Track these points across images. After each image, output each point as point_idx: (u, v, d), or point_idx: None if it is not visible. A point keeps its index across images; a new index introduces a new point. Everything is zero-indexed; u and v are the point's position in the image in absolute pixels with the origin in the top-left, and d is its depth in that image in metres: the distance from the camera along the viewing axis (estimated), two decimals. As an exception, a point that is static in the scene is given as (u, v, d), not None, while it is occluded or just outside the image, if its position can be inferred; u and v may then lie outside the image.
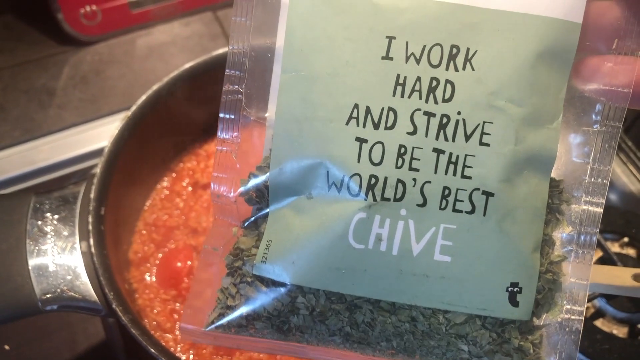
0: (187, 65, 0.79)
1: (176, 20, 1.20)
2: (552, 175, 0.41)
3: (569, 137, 0.41)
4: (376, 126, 0.38)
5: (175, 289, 0.78)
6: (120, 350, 0.88)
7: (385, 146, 0.38)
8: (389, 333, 0.40)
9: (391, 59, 0.38)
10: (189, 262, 0.79)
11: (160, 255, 0.80)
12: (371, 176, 0.38)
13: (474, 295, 0.39)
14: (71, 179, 1.03)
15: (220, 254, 0.44)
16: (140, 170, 0.81)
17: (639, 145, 1.10)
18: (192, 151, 0.89)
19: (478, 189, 0.38)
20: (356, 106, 0.39)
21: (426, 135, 0.38)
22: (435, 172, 0.38)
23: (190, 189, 0.86)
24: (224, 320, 0.42)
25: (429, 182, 0.38)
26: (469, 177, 0.38)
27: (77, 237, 0.68)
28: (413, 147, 0.38)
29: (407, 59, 0.38)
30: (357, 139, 0.38)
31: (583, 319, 0.41)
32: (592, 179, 0.41)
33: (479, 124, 0.38)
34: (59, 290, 0.65)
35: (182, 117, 0.84)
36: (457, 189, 0.38)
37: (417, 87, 0.38)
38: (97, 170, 0.71)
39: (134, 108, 0.75)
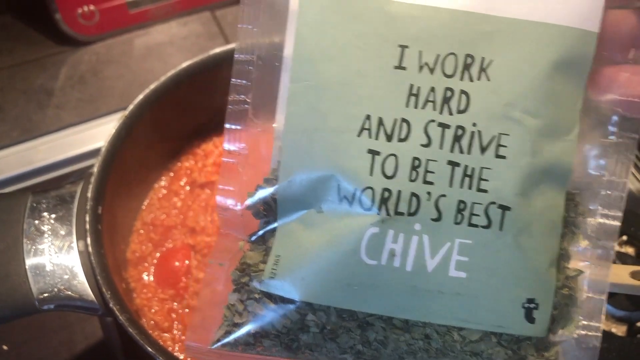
0: (185, 65, 0.78)
1: (174, 20, 1.20)
2: (568, 187, 0.40)
3: (585, 149, 0.40)
4: (389, 138, 0.37)
5: (173, 288, 0.77)
6: (118, 350, 0.87)
7: (399, 158, 0.37)
8: (402, 351, 0.39)
9: (404, 68, 0.38)
10: (186, 262, 0.79)
11: (158, 254, 0.80)
12: (384, 189, 0.37)
13: (490, 312, 0.38)
14: (69, 178, 1.03)
15: (226, 269, 0.43)
16: (138, 169, 0.81)
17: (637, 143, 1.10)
18: (189, 150, 0.89)
19: (494, 203, 0.37)
20: (368, 117, 0.38)
21: (441, 148, 0.37)
22: (450, 186, 0.37)
23: (188, 188, 0.86)
24: (231, 338, 0.41)
25: (444, 195, 0.37)
26: (485, 191, 0.37)
27: (74, 236, 0.68)
28: (427, 160, 0.37)
29: (421, 68, 0.38)
30: (369, 150, 0.38)
31: (600, 335, 0.40)
32: (608, 192, 0.41)
33: (494, 136, 0.37)
34: (56, 289, 0.65)
35: (180, 116, 0.84)
36: (473, 203, 0.37)
37: (431, 98, 0.37)
38: (95, 169, 0.70)
39: (131, 107, 0.75)
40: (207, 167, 0.86)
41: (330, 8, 0.39)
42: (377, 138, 0.38)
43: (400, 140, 0.37)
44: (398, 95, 0.38)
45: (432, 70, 0.38)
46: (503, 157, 0.37)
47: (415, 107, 0.38)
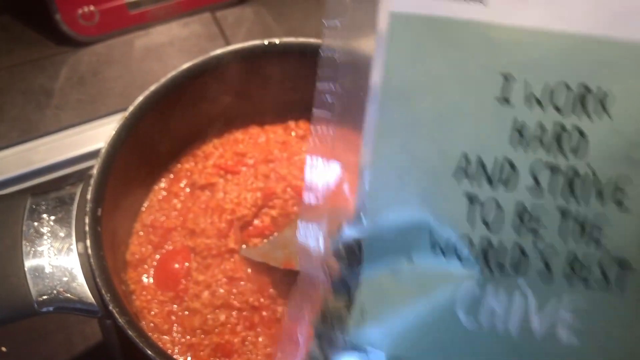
0: (185, 66, 0.78)
1: (174, 21, 1.20)
2: None
3: None
4: (489, 180, 0.34)
5: (173, 290, 0.77)
6: (117, 352, 0.87)
7: (501, 204, 0.33)
8: None
9: (507, 100, 0.34)
10: (186, 264, 0.79)
11: (157, 256, 0.80)
12: (483, 239, 0.33)
13: None
14: (69, 180, 1.02)
15: (306, 315, 0.40)
16: (138, 171, 0.81)
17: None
18: (189, 152, 0.88)
19: (613, 259, 0.33)
20: (465, 156, 0.34)
21: (550, 193, 0.33)
22: (561, 237, 0.33)
23: (188, 190, 0.85)
24: None
25: (553, 248, 0.33)
26: (602, 245, 0.33)
27: (73, 238, 0.67)
28: (534, 206, 0.33)
29: (527, 101, 0.34)
30: (467, 194, 0.34)
31: None
32: None
33: (614, 182, 0.33)
34: (55, 291, 0.64)
35: (180, 118, 0.84)
36: (587, 258, 0.33)
37: (539, 135, 0.33)
38: (94, 171, 0.70)
39: (131, 108, 0.74)
40: (207, 169, 0.85)
41: (424, 34, 0.36)
42: (475, 180, 0.34)
43: (503, 183, 0.33)
44: (500, 132, 0.34)
45: (540, 103, 0.34)
46: (624, 206, 0.33)
47: (521, 145, 0.34)
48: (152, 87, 0.76)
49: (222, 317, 0.76)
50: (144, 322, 0.75)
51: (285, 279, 0.79)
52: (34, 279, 0.65)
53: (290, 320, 0.41)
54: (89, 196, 0.68)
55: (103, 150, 0.71)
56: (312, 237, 0.40)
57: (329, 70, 0.39)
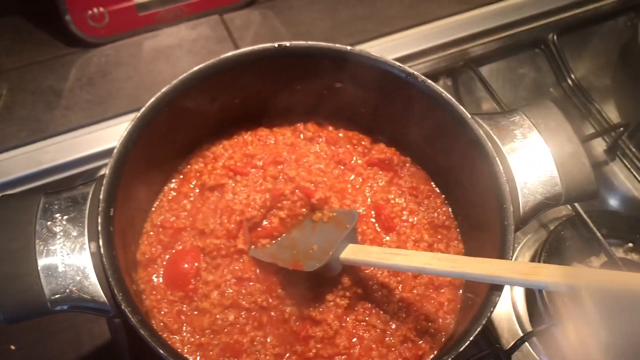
0: (196, 68, 0.78)
1: (183, 23, 1.21)
2: None
3: None
4: None
5: (183, 290, 0.78)
6: (125, 351, 0.88)
7: None
8: None
9: None
10: (196, 264, 0.79)
11: (167, 256, 0.80)
12: None
13: None
14: (77, 180, 1.03)
15: None
16: (148, 171, 0.81)
17: (643, 151, 1.10)
18: (199, 153, 0.89)
19: None
20: None
21: None
22: None
23: (197, 190, 0.86)
24: None
25: None
26: None
27: (86, 237, 0.68)
28: None
29: None
30: None
31: None
32: None
33: None
34: (67, 290, 0.65)
35: (190, 120, 0.84)
36: None
37: None
38: (106, 171, 0.71)
39: (143, 110, 0.75)
40: (217, 170, 0.86)
41: None
42: None
43: None
44: None
45: None
46: None
47: None
48: (164, 89, 0.76)
49: (231, 317, 0.76)
50: (153, 322, 0.75)
51: (293, 280, 0.79)
52: (47, 278, 0.65)
53: None
54: (101, 196, 0.69)
55: (115, 151, 0.72)
56: None
57: None
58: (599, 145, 1.15)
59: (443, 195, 0.89)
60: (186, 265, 0.79)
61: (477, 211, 0.79)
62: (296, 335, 0.76)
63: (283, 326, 0.77)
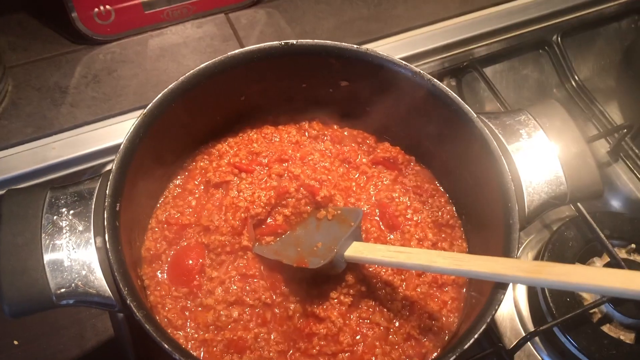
0: (203, 65, 0.79)
1: (188, 22, 1.21)
2: None
3: None
4: None
5: (187, 286, 0.78)
6: (128, 346, 0.88)
7: None
8: None
9: None
10: (200, 260, 0.79)
11: (172, 252, 0.81)
12: None
13: None
14: (82, 176, 1.04)
15: None
16: (154, 167, 0.81)
17: (647, 152, 1.10)
18: (204, 150, 0.89)
19: None
20: None
21: None
22: None
23: (202, 187, 0.86)
24: None
25: None
26: None
27: (92, 232, 0.68)
28: None
29: None
30: None
31: None
32: None
33: None
34: (73, 284, 0.65)
35: (196, 116, 0.84)
36: None
37: None
38: (113, 166, 0.71)
39: (150, 106, 0.75)
40: (222, 167, 0.86)
41: None
42: None
43: None
44: None
45: None
46: None
47: None
48: (171, 85, 0.77)
49: (235, 314, 0.77)
50: (157, 318, 0.75)
51: (297, 277, 0.80)
52: (53, 272, 0.65)
53: None
54: (107, 191, 0.69)
55: (122, 146, 0.72)
56: None
57: None
58: (602, 147, 1.15)
59: (447, 194, 0.89)
60: (191, 262, 0.79)
61: (481, 210, 0.79)
62: (300, 332, 0.76)
63: (287, 323, 0.78)
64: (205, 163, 0.88)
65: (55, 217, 0.69)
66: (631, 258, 0.96)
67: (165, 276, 0.79)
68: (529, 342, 0.91)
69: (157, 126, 0.76)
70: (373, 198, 0.87)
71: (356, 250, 0.76)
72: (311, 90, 0.89)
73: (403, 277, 0.80)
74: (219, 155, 0.88)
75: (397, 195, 0.87)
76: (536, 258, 0.98)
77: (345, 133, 0.93)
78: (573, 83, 1.20)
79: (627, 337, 0.90)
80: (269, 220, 0.84)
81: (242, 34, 1.20)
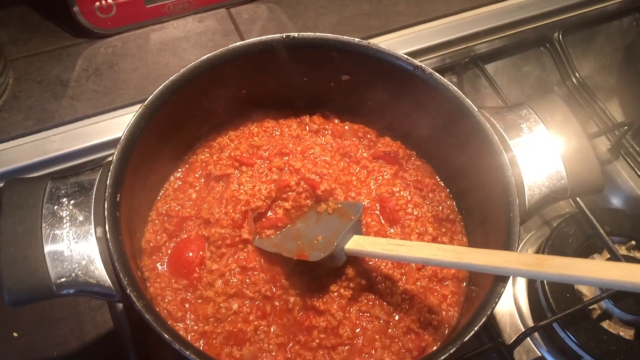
0: (204, 57, 0.79)
1: (190, 16, 1.21)
2: None
3: None
4: None
5: (187, 278, 0.78)
6: (128, 339, 0.88)
7: None
8: None
9: None
10: (200, 253, 0.79)
11: (172, 245, 0.81)
12: None
13: None
14: (82, 169, 1.03)
15: None
16: (154, 159, 0.81)
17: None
18: (205, 143, 0.89)
19: None
20: None
21: None
22: None
23: (202, 180, 0.86)
24: None
25: None
26: None
27: (92, 222, 0.68)
28: None
29: None
30: None
31: None
32: None
33: None
34: (73, 274, 0.65)
35: (197, 109, 0.84)
36: None
37: None
38: (114, 157, 0.71)
39: (151, 97, 0.75)
40: (222, 160, 0.86)
41: None
42: None
43: None
44: None
45: None
46: None
47: None
48: (172, 77, 0.77)
49: (235, 306, 0.76)
50: (157, 309, 0.75)
51: (297, 270, 0.80)
52: (53, 262, 0.65)
53: None
54: (108, 181, 0.69)
55: (123, 137, 0.72)
56: None
57: None
58: (603, 144, 1.15)
59: (448, 189, 0.89)
60: (191, 254, 0.79)
61: (482, 204, 0.79)
62: (300, 325, 0.76)
63: (287, 316, 0.77)
64: (206, 156, 0.88)
65: (55, 207, 0.69)
66: (631, 255, 0.96)
67: (165, 268, 0.79)
68: (528, 338, 0.91)
69: (158, 118, 0.76)
70: (373, 192, 0.87)
71: (357, 244, 0.76)
72: (312, 84, 0.89)
73: (403, 270, 0.80)
74: (220, 148, 0.88)
75: (397, 189, 0.87)
76: (536, 254, 0.98)
77: (346, 127, 0.93)
78: (574, 80, 1.20)
79: (627, 333, 0.90)
80: (269, 213, 0.84)
81: (244, 28, 1.20)
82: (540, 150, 0.76)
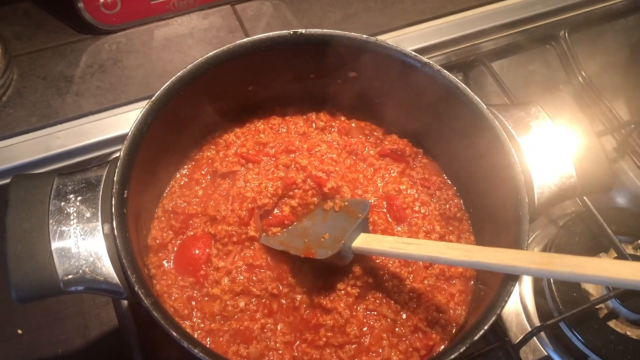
0: (212, 53, 0.78)
1: (194, 13, 1.21)
2: None
3: None
4: None
5: (193, 276, 0.77)
6: (133, 337, 0.87)
7: None
8: None
9: None
10: (207, 250, 0.79)
11: (178, 242, 0.80)
12: None
13: None
14: (87, 165, 1.03)
15: None
16: (161, 156, 0.81)
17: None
18: (211, 140, 0.89)
19: None
20: None
21: None
22: None
23: (209, 177, 0.86)
24: None
25: None
26: None
27: (99, 219, 0.68)
28: None
29: None
30: None
31: None
32: None
33: None
34: (81, 271, 0.65)
35: (203, 106, 0.84)
36: None
37: None
38: (121, 153, 0.70)
39: (158, 93, 0.74)
40: (229, 157, 0.86)
41: None
42: None
43: None
44: None
45: None
46: None
47: None
48: (179, 73, 0.76)
49: (242, 304, 0.76)
50: (164, 307, 0.75)
51: (304, 268, 0.79)
52: (60, 258, 0.65)
53: None
54: (115, 178, 0.68)
55: (130, 133, 0.71)
56: None
57: None
58: (609, 143, 1.15)
59: (455, 187, 0.88)
60: (197, 251, 0.79)
61: (490, 202, 0.79)
62: (306, 323, 0.76)
63: (293, 314, 0.77)
64: (212, 153, 0.88)
65: (62, 204, 0.68)
66: (638, 254, 0.96)
67: (172, 265, 0.79)
68: (534, 337, 0.90)
69: (165, 114, 0.76)
70: (380, 190, 0.87)
71: (364, 242, 0.75)
72: (319, 81, 0.89)
73: (410, 269, 0.80)
74: (226, 145, 0.88)
75: (404, 187, 0.87)
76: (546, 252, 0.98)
77: (353, 125, 0.93)
78: (580, 79, 1.20)
79: (634, 333, 0.90)
80: (275, 211, 0.83)
81: (248, 25, 1.19)
82: (549, 148, 0.75)
